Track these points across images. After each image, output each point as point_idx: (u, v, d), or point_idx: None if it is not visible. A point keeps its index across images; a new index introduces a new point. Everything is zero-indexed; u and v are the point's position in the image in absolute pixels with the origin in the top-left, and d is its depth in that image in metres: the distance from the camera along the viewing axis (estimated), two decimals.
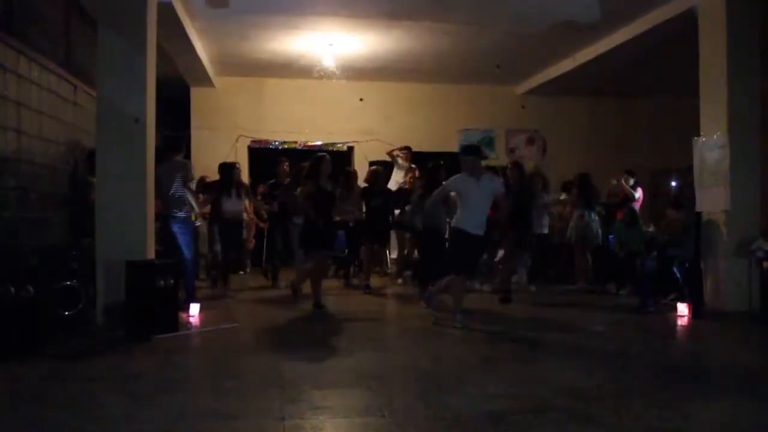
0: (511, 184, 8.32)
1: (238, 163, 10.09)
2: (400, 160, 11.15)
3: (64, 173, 7.55)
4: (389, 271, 10.72)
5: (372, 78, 12.47)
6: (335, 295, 8.38)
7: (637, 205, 9.83)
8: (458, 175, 6.48)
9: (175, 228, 7.01)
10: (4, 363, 4.61)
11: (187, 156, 11.80)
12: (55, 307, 5.53)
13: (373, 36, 9.95)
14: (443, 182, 6.81)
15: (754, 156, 7.41)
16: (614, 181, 10.42)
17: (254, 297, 8.50)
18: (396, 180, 10.78)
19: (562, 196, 9.99)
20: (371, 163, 10.96)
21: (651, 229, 8.38)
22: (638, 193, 10.13)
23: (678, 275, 7.53)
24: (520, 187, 8.39)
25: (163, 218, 7.08)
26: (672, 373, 4.77)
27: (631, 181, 10.18)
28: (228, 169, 9.19)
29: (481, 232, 6.32)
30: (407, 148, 11.22)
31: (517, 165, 8.90)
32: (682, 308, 6.93)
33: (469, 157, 6.40)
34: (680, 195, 8.71)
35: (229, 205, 8.90)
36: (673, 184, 12.00)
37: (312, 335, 6.02)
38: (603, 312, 7.51)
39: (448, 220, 7.38)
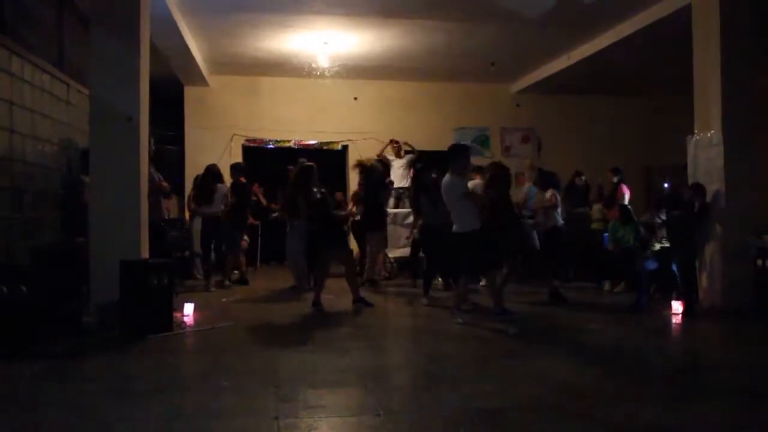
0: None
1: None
2: (390, 157, 11.12)
3: (57, 172, 7.51)
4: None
5: (367, 76, 12.46)
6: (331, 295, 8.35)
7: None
8: (458, 178, 6.71)
9: None
10: None
11: (181, 154, 11.90)
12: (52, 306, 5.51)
13: (368, 34, 9.94)
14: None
15: (748, 154, 7.41)
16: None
17: (248, 296, 8.47)
18: (395, 175, 10.78)
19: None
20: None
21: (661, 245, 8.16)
22: (626, 192, 10.09)
23: (677, 273, 7.54)
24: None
25: None
26: (666, 371, 4.79)
27: (615, 179, 10.14)
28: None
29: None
30: (395, 142, 11.31)
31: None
32: (677, 306, 6.95)
33: (465, 157, 6.76)
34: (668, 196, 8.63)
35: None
36: (666, 185, 11.96)
37: (307, 334, 6.01)
38: (598, 310, 7.53)
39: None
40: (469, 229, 6.50)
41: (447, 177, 6.75)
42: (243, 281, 9.56)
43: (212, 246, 9.21)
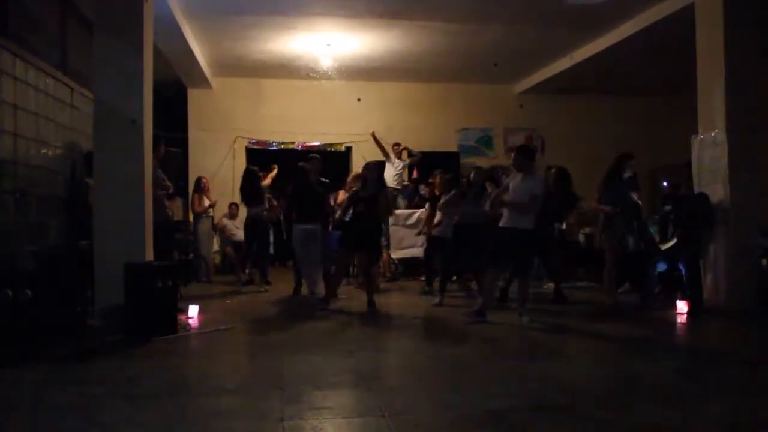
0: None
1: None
2: (392, 155, 11.25)
3: (61, 176, 7.53)
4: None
5: (370, 78, 12.48)
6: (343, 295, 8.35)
7: None
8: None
9: None
10: (3, 367, 4.59)
11: (185, 157, 11.92)
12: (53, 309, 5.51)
13: (371, 36, 9.95)
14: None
15: (752, 153, 7.40)
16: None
17: (253, 298, 8.48)
18: (389, 174, 10.82)
19: None
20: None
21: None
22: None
23: (683, 273, 7.52)
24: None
25: None
26: (673, 371, 4.77)
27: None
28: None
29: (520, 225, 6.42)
30: (397, 144, 11.49)
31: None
32: (682, 306, 6.93)
33: (520, 156, 6.64)
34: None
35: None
36: (665, 184, 11.88)
37: (312, 335, 6.01)
38: (603, 310, 7.50)
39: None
40: (526, 227, 6.42)
41: (525, 176, 6.61)
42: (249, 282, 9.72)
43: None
